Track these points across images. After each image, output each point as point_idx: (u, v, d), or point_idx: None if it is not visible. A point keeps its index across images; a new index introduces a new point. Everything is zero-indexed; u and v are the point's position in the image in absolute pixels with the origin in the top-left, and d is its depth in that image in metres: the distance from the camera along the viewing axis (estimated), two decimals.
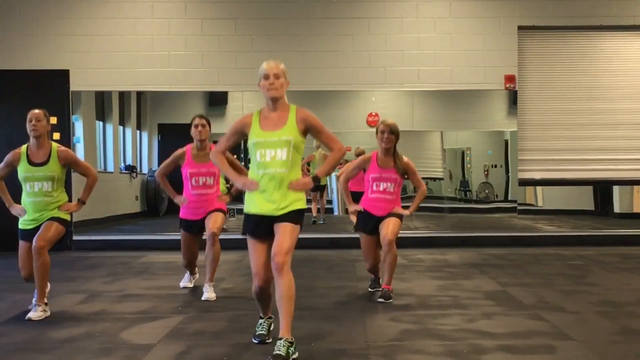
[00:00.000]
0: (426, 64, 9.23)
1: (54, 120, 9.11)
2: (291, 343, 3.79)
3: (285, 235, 3.88)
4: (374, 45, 9.26)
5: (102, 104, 10.63)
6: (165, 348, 4.09)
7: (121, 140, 11.35)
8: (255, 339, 4.18)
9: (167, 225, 10.38)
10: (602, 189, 10.27)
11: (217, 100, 10.11)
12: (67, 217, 5.18)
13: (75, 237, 9.13)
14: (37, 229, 5.07)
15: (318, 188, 10.73)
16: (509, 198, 10.12)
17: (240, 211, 10.40)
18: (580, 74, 9.42)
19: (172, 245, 8.70)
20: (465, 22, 9.28)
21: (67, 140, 9.18)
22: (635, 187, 10.14)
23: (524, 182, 9.53)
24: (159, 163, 11.82)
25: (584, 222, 10.20)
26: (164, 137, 11.47)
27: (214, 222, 5.79)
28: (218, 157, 4.20)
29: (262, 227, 3.96)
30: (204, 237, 5.87)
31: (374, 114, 9.88)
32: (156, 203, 11.36)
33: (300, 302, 5.40)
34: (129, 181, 11.37)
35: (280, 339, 3.78)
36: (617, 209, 10.28)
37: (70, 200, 5.39)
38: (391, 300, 5.38)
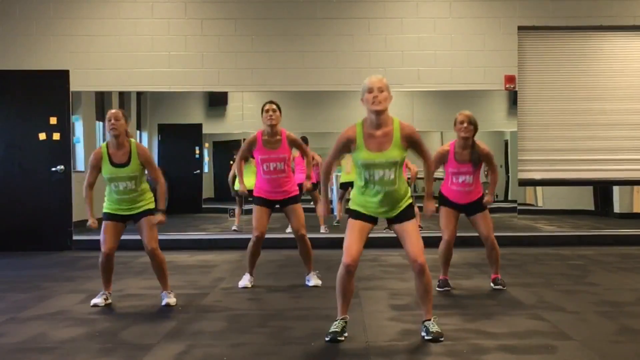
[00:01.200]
0: (426, 64, 9.23)
1: (54, 120, 9.16)
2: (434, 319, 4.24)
3: (413, 235, 4.15)
4: (374, 45, 9.26)
5: (102, 104, 10.63)
6: (165, 348, 4.09)
7: None
8: (327, 337, 4.21)
9: (166, 225, 10.36)
10: (602, 189, 10.27)
11: (217, 101, 10.11)
12: (153, 206, 5.36)
13: (75, 237, 9.14)
14: (124, 216, 5.28)
15: (345, 186, 10.60)
16: (509, 198, 10.12)
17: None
18: (580, 74, 9.42)
19: (172, 245, 8.70)
20: (465, 22, 9.28)
21: (67, 140, 9.19)
22: (635, 187, 10.13)
23: (524, 182, 9.53)
24: (159, 163, 11.85)
25: (584, 222, 10.19)
26: (164, 137, 11.47)
27: (298, 220, 6.06)
28: (325, 172, 4.33)
29: (370, 219, 4.21)
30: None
31: None
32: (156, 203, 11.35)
33: (300, 302, 5.42)
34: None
35: (428, 320, 4.20)
36: (617, 209, 10.27)
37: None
38: (505, 288, 5.80)
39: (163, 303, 5.33)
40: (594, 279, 6.49)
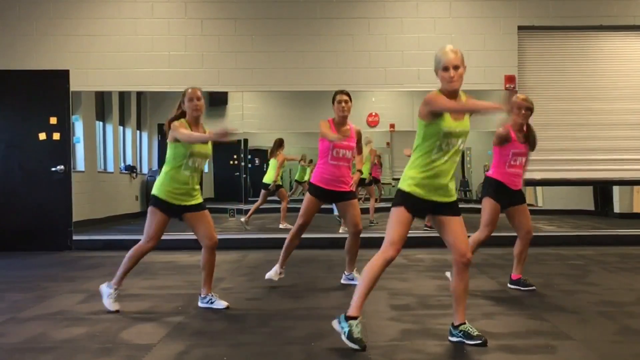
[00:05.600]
0: (426, 64, 9.16)
1: (54, 120, 9.16)
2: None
3: (462, 231, 4.04)
4: (374, 45, 9.26)
5: (102, 104, 10.63)
6: (165, 348, 4.09)
7: (121, 140, 11.35)
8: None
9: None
10: (602, 189, 10.27)
11: (217, 100, 10.11)
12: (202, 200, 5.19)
13: (75, 237, 9.14)
14: (180, 207, 5.07)
15: (372, 182, 10.67)
16: None
17: (239, 211, 10.39)
18: (580, 74, 9.42)
19: (172, 245, 8.70)
20: (465, 22, 9.28)
21: (67, 140, 9.19)
22: (635, 187, 10.13)
23: (524, 182, 9.51)
24: (159, 163, 11.89)
25: (584, 222, 10.19)
26: (164, 137, 11.48)
27: (354, 217, 6.03)
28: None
29: (422, 208, 4.06)
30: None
31: (374, 114, 9.88)
32: None
33: (300, 302, 5.42)
34: (129, 181, 11.37)
35: (463, 324, 4.07)
36: (617, 209, 10.27)
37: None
38: (534, 288, 5.81)
39: (218, 307, 5.13)
40: (594, 279, 6.49)
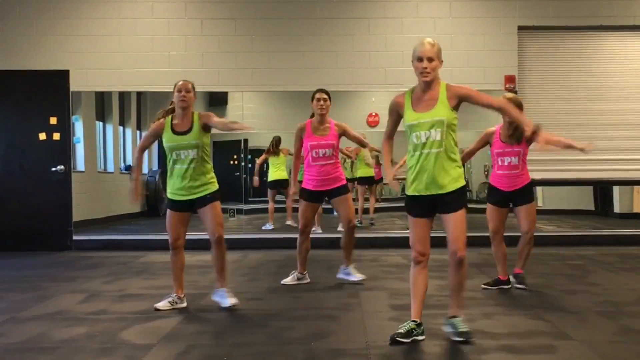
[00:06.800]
0: None
1: (54, 120, 9.16)
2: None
3: (457, 227, 4.05)
4: (374, 45, 9.26)
5: (102, 104, 10.63)
6: (165, 348, 4.09)
7: (121, 140, 11.35)
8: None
9: None
10: (602, 189, 10.27)
11: (217, 100, 10.10)
12: (216, 187, 5.15)
13: (75, 237, 9.14)
14: (187, 202, 5.09)
15: (368, 181, 10.66)
16: None
17: (239, 211, 10.40)
18: (580, 74, 9.42)
19: None
20: (465, 22, 9.28)
21: (67, 140, 9.19)
22: (635, 187, 10.13)
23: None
24: (159, 163, 11.89)
25: (584, 222, 10.19)
26: None
27: (347, 212, 6.14)
28: (385, 145, 4.44)
29: (422, 207, 4.12)
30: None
31: (374, 114, 9.88)
32: (156, 203, 11.36)
33: (300, 302, 5.42)
34: (129, 181, 11.37)
35: (454, 317, 4.16)
36: (617, 209, 10.27)
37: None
38: (524, 286, 5.81)
39: (225, 305, 5.11)
40: (594, 279, 6.49)
